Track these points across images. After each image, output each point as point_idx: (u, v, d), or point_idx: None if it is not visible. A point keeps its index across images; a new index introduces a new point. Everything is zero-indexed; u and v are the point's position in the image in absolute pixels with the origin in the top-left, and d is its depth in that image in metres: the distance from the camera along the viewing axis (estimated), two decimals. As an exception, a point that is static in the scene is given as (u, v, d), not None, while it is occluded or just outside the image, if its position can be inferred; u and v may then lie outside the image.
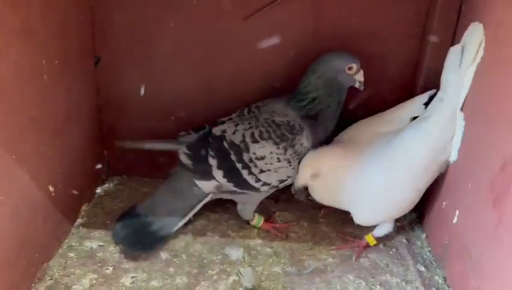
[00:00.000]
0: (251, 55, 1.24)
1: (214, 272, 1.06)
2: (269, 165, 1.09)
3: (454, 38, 1.12)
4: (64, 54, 1.08)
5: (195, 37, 1.22)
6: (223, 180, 1.09)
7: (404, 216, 1.24)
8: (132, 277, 1.04)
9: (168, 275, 1.05)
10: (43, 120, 1.00)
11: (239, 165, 1.08)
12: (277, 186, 1.14)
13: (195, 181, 1.10)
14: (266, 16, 1.19)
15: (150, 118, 1.32)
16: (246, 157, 1.08)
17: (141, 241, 1.09)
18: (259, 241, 1.17)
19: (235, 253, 1.12)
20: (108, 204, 1.29)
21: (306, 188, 1.15)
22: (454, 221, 1.02)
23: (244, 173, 1.09)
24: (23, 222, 0.94)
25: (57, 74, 1.04)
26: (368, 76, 1.13)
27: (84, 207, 1.25)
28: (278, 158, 1.08)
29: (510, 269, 0.78)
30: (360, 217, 1.13)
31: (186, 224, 1.21)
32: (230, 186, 1.11)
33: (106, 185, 1.37)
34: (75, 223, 1.20)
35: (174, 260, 1.10)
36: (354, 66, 1.09)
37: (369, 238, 1.15)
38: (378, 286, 1.04)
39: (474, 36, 0.97)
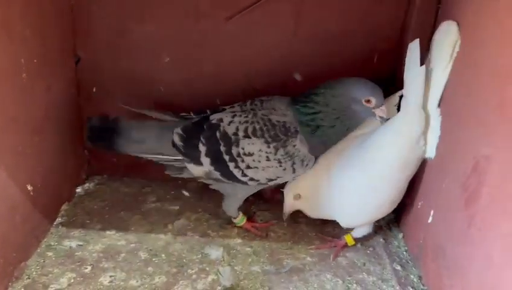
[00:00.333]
0: (232, 56, 1.25)
1: (193, 271, 1.07)
2: (257, 162, 1.08)
3: (431, 39, 1.14)
4: (44, 52, 1.07)
5: (176, 37, 1.23)
6: (210, 168, 1.10)
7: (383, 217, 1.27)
8: (111, 276, 1.04)
9: (147, 275, 1.05)
10: (21, 119, 0.99)
11: (226, 157, 1.09)
12: (266, 184, 1.13)
13: (186, 164, 1.11)
14: (248, 17, 1.20)
15: (130, 118, 1.31)
16: (234, 150, 1.08)
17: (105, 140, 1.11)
18: (239, 240, 1.18)
19: (215, 252, 1.13)
20: (89, 204, 1.29)
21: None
22: (429, 221, 1.04)
23: (231, 165, 1.09)
24: (0, 220, 0.93)
25: (36, 73, 1.04)
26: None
27: (64, 206, 1.25)
28: (267, 157, 1.08)
29: (480, 268, 0.80)
30: (345, 221, 1.14)
31: (166, 223, 1.22)
32: (217, 174, 1.11)
33: (86, 185, 1.37)
34: (55, 223, 1.19)
35: (153, 259, 1.10)
36: (373, 100, 1.03)
37: (348, 239, 1.16)
38: (354, 285, 1.06)
39: (447, 35, 0.99)
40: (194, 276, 1.05)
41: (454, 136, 0.97)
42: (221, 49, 1.24)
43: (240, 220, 1.21)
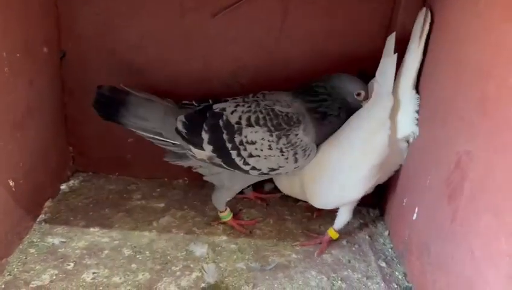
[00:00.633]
0: (219, 52, 1.25)
1: (177, 268, 1.06)
2: (259, 151, 1.08)
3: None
4: (27, 46, 1.06)
5: (162, 32, 1.22)
6: (213, 155, 1.10)
7: (368, 213, 1.27)
8: (93, 273, 1.02)
9: (130, 271, 1.04)
10: (2, 113, 0.98)
11: (229, 145, 1.08)
12: (267, 174, 1.13)
13: (191, 147, 1.10)
14: (234, 13, 1.20)
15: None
16: (237, 139, 1.08)
17: (109, 112, 1.10)
18: (224, 237, 1.18)
19: (200, 249, 1.12)
20: (73, 201, 1.28)
21: None
22: (414, 218, 1.05)
23: (233, 153, 1.09)
24: (-20, 216, 0.92)
25: (19, 67, 1.02)
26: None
27: (47, 203, 1.23)
28: (269, 146, 1.08)
29: (462, 263, 0.81)
30: (313, 199, 1.17)
31: (151, 221, 1.21)
32: (219, 161, 1.11)
33: (71, 182, 1.35)
34: (38, 219, 1.18)
35: (137, 256, 1.09)
36: (362, 94, 1.12)
37: (331, 232, 1.17)
38: (339, 282, 1.05)
39: (418, 18, 1.06)
40: (178, 273, 1.05)
41: (438, 133, 0.97)
42: (208, 45, 1.23)
43: (227, 215, 1.21)
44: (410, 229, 1.07)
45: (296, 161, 1.10)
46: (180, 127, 1.10)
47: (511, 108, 0.71)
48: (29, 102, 1.09)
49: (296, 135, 1.09)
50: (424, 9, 1.05)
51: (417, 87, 1.08)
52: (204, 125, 1.09)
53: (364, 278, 1.07)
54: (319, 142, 1.12)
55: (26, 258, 1.05)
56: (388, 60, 1.08)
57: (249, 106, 1.10)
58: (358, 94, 1.12)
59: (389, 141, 1.06)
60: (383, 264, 1.11)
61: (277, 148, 1.08)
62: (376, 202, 1.31)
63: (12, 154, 1.03)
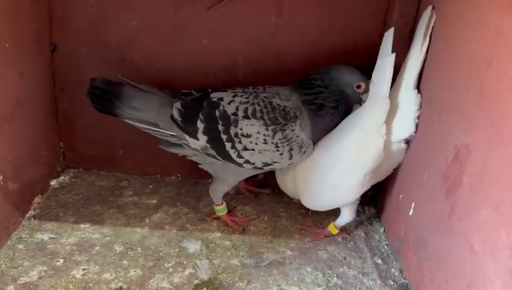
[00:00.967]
0: (213, 46, 1.23)
1: (170, 264, 1.04)
2: (254, 144, 1.06)
3: (412, 34, 1.13)
4: (17, 38, 1.04)
5: (156, 25, 1.21)
6: (207, 145, 1.08)
7: (363, 210, 1.26)
8: (84, 269, 1.00)
9: (122, 268, 1.02)
10: (-9, 105, 0.96)
11: (224, 137, 1.06)
12: (261, 168, 1.11)
13: (185, 135, 1.08)
14: (229, 7, 1.18)
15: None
16: (232, 131, 1.06)
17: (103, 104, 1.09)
18: (218, 234, 1.16)
19: (193, 246, 1.10)
20: (63, 197, 1.25)
21: None
22: (410, 213, 1.03)
23: (228, 145, 1.07)
24: (-34, 210, 0.89)
25: (8, 58, 1.00)
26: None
27: (37, 199, 1.21)
28: (264, 140, 1.06)
29: (461, 258, 0.79)
30: (306, 201, 1.15)
31: (143, 217, 1.19)
32: (213, 152, 1.09)
33: (61, 178, 1.33)
34: (27, 215, 1.15)
35: (129, 252, 1.07)
36: (362, 86, 1.09)
37: (331, 228, 1.16)
38: (335, 278, 1.04)
39: (423, 17, 1.02)
40: (170, 269, 1.03)
41: (435, 126, 0.96)
42: (202, 38, 1.22)
43: (222, 209, 1.19)
44: (407, 225, 1.06)
45: (291, 157, 1.08)
46: (175, 114, 1.08)
47: (510, 100, 0.70)
48: (19, 95, 1.07)
49: (293, 130, 1.07)
50: (430, 7, 1.02)
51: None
52: (200, 115, 1.07)
53: (360, 274, 1.05)
54: (316, 137, 1.10)
55: (14, 254, 1.02)
56: (385, 60, 1.04)
57: (247, 97, 1.09)
58: (358, 86, 1.09)
59: (384, 145, 1.03)
60: (379, 261, 1.10)
61: (272, 142, 1.06)
62: (371, 199, 1.29)
63: (0, 148, 1.00)
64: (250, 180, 1.32)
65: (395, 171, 1.13)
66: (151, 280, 0.99)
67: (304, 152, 1.09)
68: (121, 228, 1.15)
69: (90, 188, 1.30)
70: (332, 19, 1.21)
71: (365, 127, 1.05)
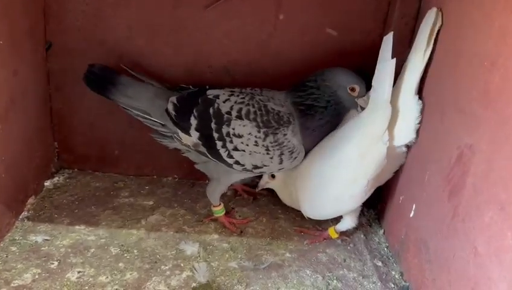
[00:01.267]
0: (211, 45, 1.21)
1: (167, 267, 1.02)
2: (244, 145, 1.05)
3: (413, 34, 1.12)
4: (11, 34, 1.01)
5: (153, 23, 1.19)
6: (198, 142, 1.08)
7: (363, 213, 1.24)
8: (79, 272, 0.98)
9: (118, 271, 0.99)
10: (-16, 103, 0.93)
11: (215, 135, 1.06)
12: (251, 171, 1.10)
13: (178, 130, 1.08)
14: (227, 6, 1.17)
15: (102, 108, 1.26)
16: (224, 129, 1.05)
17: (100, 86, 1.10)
18: (216, 236, 1.14)
19: (190, 248, 1.08)
20: (57, 198, 1.23)
21: None
22: (411, 215, 1.02)
23: (219, 144, 1.06)
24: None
25: (2, 55, 0.98)
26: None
27: (30, 200, 1.18)
28: (255, 141, 1.05)
29: (464, 260, 0.78)
30: (307, 210, 1.14)
31: (139, 219, 1.17)
32: (204, 149, 1.09)
33: (56, 179, 1.30)
34: (20, 216, 1.13)
35: (125, 255, 1.05)
36: (357, 88, 1.06)
37: (331, 231, 1.14)
38: (335, 281, 1.02)
39: (427, 20, 0.97)
40: (167, 272, 1.01)
41: (437, 127, 0.95)
42: (200, 37, 1.20)
43: (220, 210, 1.17)
44: (407, 226, 1.04)
45: (281, 161, 1.07)
46: (170, 108, 1.08)
47: (516, 99, 0.69)
48: (12, 93, 1.05)
49: (284, 134, 1.06)
50: (434, 10, 0.97)
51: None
52: (194, 111, 1.07)
53: (361, 277, 1.04)
54: (306, 139, 1.08)
55: (7, 256, 1.00)
56: (386, 65, 1.00)
57: (243, 98, 1.08)
58: (352, 89, 1.06)
59: (387, 152, 1.01)
60: (379, 263, 1.08)
61: (263, 145, 1.05)
62: (370, 201, 1.27)
63: (-7, 147, 0.98)
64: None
65: (395, 173, 1.11)
66: (148, 283, 0.97)
67: (295, 158, 1.08)
68: (116, 230, 1.12)
69: (85, 189, 1.28)
70: (332, 19, 1.19)
71: (367, 134, 1.02)
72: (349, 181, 1.05)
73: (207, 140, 1.07)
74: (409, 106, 1.01)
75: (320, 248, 1.13)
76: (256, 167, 1.08)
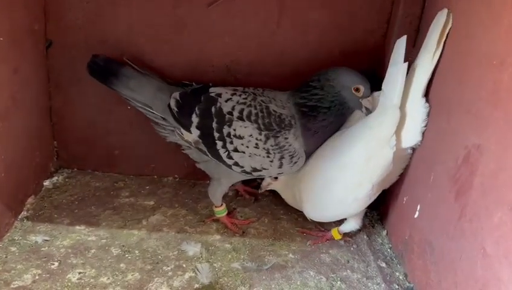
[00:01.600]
0: (213, 45, 1.20)
1: (169, 268, 1.01)
2: (245, 147, 1.04)
3: (418, 34, 1.12)
4: (12, 32, 1.00)
5: (154, 22, 1.18)
6: (199, 140, 1.07)
7: (366, 214, 1.23)
8: (79, 273, 0.97)
9: (119, 271, 0.98)
10: (-16, 101, 0.92)
11: (216, 135, 1.05)
12: (250, 173, 1.09)
13: (181, 128, 1.07)
14: (230, 4, 1.16)
15: (102, 108, 1.25)
16: (225, 130, 1.04)
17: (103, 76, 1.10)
18: (218, 237, 1.13)
19: (192, 249, 1.07)
20: (57, 197, 1.21)
21: None
22: (416, 216, 1.01)
23: (219, 144, 1.05)
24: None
25: (2, 53, 0.97)
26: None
27: (30, 200, 1.17)
28: (256, 144, 1.04)
29: (471, 261, 0.77)
30: (309, 212, 1.13)
31: (140, 219, 1.16)
32: (204, 148, 1.08)
33: (55, 178, 1.29)
34: (19, 216, 1.11)
35: (126, 255, 1.03)
36: (361, 88, 1.05)
37: (334, 232, 1.14)
38: (339, 282, 1.01)
39: (437, 22, 0.96)
40: (170, 273, 0.99)
41: (443, 127, 0.94)
42: (202, 36, 1.19)
43: (222, 210, 1.16)
44: (411, 227, 1.04)
45: (281, 165, 1.06)
46: (172, 104, 1.07)
47: (526, 98, 0.69)
48: (12, 92, 1.03)
49: (286, 138, 1.05)
50: (445, 10, 0.94)
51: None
52: (196, 108, 1.06)
53: (364, 278, 1.03)
54: (309, 140, 1.07)
55: (6, 257, 0.98)
56: (397, 69, 0.97)
57: (245, 98, 1.07)
58: (357, 90, 1.05)
59: (393, 157, 0.99)
60: (383, 264, 1.07)
61: (264, 148, 1.05)
62: (373, 202, 1.27)
63: (-7, 146, 0.96)
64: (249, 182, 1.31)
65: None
66: (150, 284, 0.96)
67: (295, 162, 1.07)
68: (117, 230, 1.11)
69: (84, 189, 1.27)
70: (336, 18, 1.18)
71: (374, 138, 1.01)
72: (354, 184, 1.04)
73: (207, 139, 1.06)
74: (416, 108, 0.99)
75: (323, 249, 1.12)
76: (255, 170, 1.07)
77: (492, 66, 0.78)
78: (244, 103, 1.06)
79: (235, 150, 1.05)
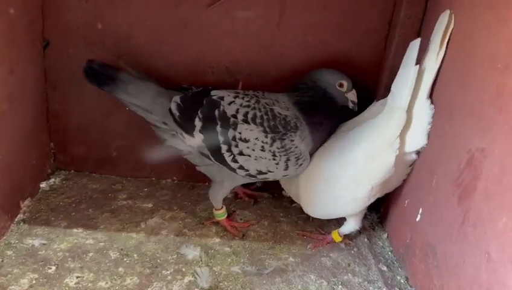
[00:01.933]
0: (213, 45, 1.19)
1: (168, 272, 0.99)
2: (250, 150, 1.03)
3: (419, 36, 1.11)
4: (9, 32, 0.99)
5: (154, 22, 1.16)
6: (202, 145, 1.05)
7: (366, 216, 1.22)
8: (77, 277, 0.95)
9: (118, 276, 0.97)
10: (-20, 102, 0.90)
11: (220, 138, 1.03)
12: (255, 176, 1.08)
13: (183, 133, 1.05)
14: (230, 5, 1.15)
15: (100, 108, 1.23)
16: (230, 133, 1.03)
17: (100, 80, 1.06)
18: (217, 240, 1.12)
19: (192, 252, 1.06)
20: (54, 200, 1.20)
21: None
22: (417, 219, 1.01)
23: (224, 147, 1.03)
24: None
25: (-1, 53, 0.95)
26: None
27: (26, 202, 1.15)
28: (262, 147, 1.03)
29: (475, 266, 0.77)
30: (308, 208, 1.12)
31: (138, 222, 1.14)
32: (208, 153, 1.06)
33: (52, 180, 1.27)
34: (16, 219, 1.10)
35: (125, 259, 1.02)
36: (345, 84, 1.10)
37: (335, 235, 1.13)
38: (340, 286, 1.00)
39: (440, 24, 0.95)
40: (169, 277, 0.98)
41: (445, 130, 0.94)
42: (202, 37, 1.18)
43: (222, 213, 1.15)
44: (413, 231, 1.03)
45: (286, 167, 1.05)
46: (173, 108, 1.05)
47: (531, 102, 0.68)
48: (9, 92, 1.02)
49: (292, 140, 1.04)
50: (448, 12, 0.95)
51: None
52: (199, 112, 1.04)
53: (366, 282, 1.02)
54: (315, 135, 1.08)
55: (2, 261, 0.97)
56: (408, 71, 0.97)
57: (248, 101, 1.06)
58: (341, 85, 1.10)
59: (395, 160, 0.99)
60: (384, 268, 1.07)
61: (270, 151, 1.03)
62: (373, 204, 1.26)
63: (-11, 148, 0.95)
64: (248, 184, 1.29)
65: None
66: (149, 289, 0.94)
67: (300, 165, 1.06)
68: (115, 233, 1.10)
69: (82, 191, 1.25)
70: (337, 19, 1.18)
71: (379, 138, 1.00)
72: (352, 183, 1.04)
73: (211, 143, 1.04)
74: (422, 110, 0.99)
75: (324, 252, 1.11)
76: (260, 173, 1.06)
77: (497, 69, 0.77)
78: (248, 106, 1.05)
79: (241, 153, 1.04)
